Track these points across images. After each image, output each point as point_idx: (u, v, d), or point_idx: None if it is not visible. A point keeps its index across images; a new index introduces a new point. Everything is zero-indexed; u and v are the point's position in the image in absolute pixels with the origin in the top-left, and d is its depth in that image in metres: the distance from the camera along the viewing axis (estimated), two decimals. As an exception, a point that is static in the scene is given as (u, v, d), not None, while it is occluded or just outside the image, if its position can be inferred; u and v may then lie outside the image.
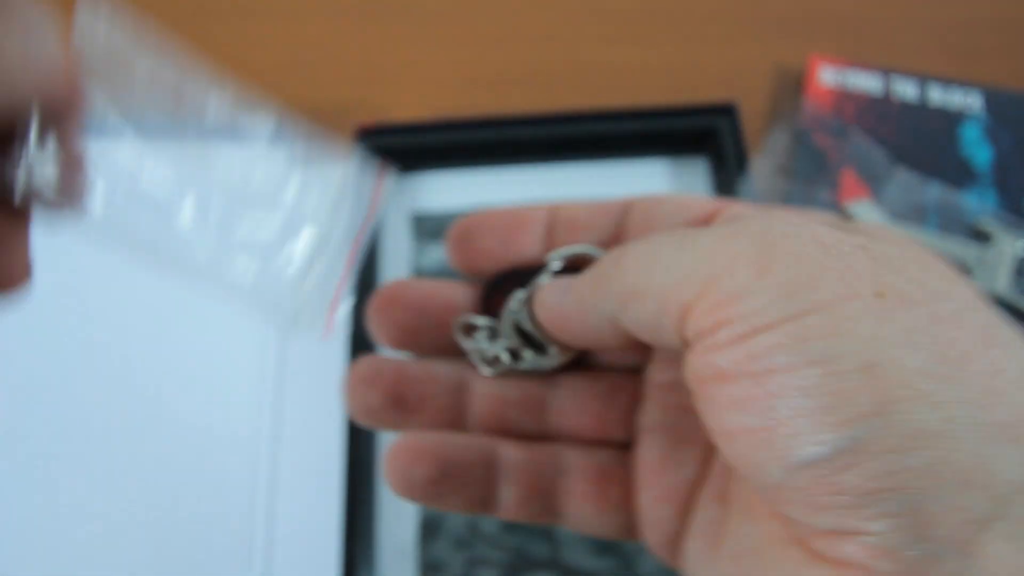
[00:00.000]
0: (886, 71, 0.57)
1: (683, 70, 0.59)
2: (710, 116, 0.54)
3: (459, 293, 0.26)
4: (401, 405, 0.25)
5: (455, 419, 0.25)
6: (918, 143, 0.55)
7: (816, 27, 0.61)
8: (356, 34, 0.61)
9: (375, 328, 0.25)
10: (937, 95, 0.57)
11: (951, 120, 0.56)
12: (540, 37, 0.61)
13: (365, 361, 0.25)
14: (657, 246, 0.21)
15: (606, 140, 0.54)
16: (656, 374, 0.26)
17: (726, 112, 0.53)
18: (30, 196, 0.20)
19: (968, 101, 0.57)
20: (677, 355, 0.21)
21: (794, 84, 0.58)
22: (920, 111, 0.56)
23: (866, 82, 0.57)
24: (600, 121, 0.54)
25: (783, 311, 0.17)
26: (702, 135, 0.54)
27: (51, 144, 0.20)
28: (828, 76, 0.57)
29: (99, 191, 0.24)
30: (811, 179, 0.53)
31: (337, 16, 0.62)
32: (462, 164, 0.54)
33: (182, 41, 0.61)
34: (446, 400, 0.25)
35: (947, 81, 0.57)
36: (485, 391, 0.26)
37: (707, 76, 0.59)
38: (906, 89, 0.57)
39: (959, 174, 0.54)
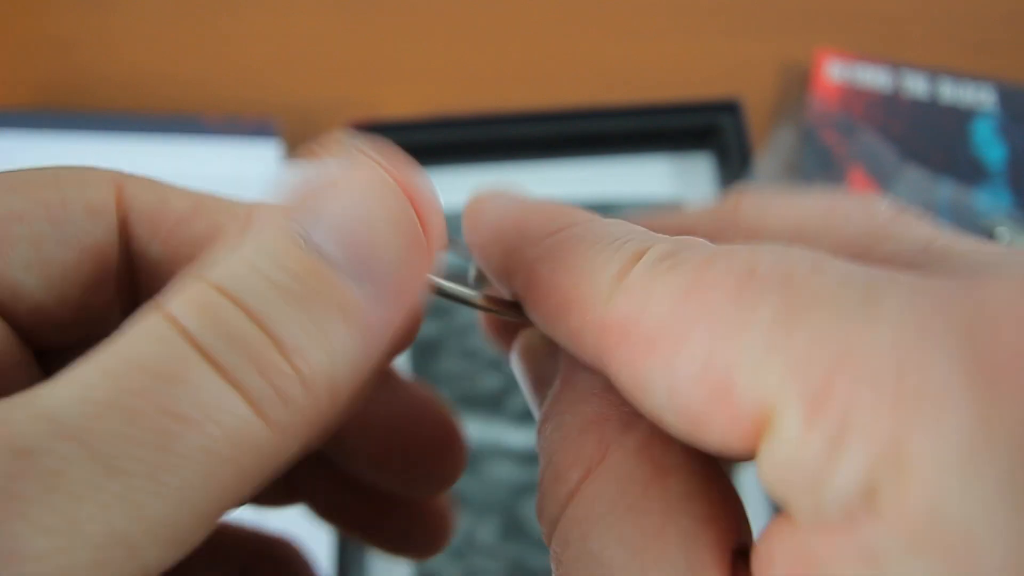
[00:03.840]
0: (895, 65, 0.56)
1: (686, 65, 0.58)
2: (714, 113, 0.52)
3: None
4: None
5: None
6: (929, 140, 0.54)
7: (823, 20, 0.60)
8: (348, 28, 0.60)
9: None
10: (948, 90, 0.55)
11: (963, 116, 0.54)
12: (539, 31, 0.60)
13: None
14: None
15: (607, 137, 0.53)
16: None
17: (730, 108, 0.52)
18: None
19: (981, 96, 0.55)
20: None
21: (800, 79, 0.56)
22: (931, 107, 0.55)
23: (875, 77, 0.56)
24: (600, 118, 0.53)
25: None
26: (705, 132, 0.53)
27: None
28: (835, 71, 0.56)
29: None
30: (818, 178, 0.52)
31: (329, 9, 0.60)
32: (459, 162, 0.53)
33: (172, 36, 0.60)
34: None
35: (959, 76, 0.56)
36: None
37: (710, 71, 0.57)
38: (916, 84, 0.55)
39: (971, 172, 0.52)
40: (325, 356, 0.13)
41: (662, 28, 0.60)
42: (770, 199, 0.17)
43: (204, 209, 0.17)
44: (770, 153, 0.53)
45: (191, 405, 0.12)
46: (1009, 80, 0.56)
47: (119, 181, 0.17)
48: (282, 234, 0.13)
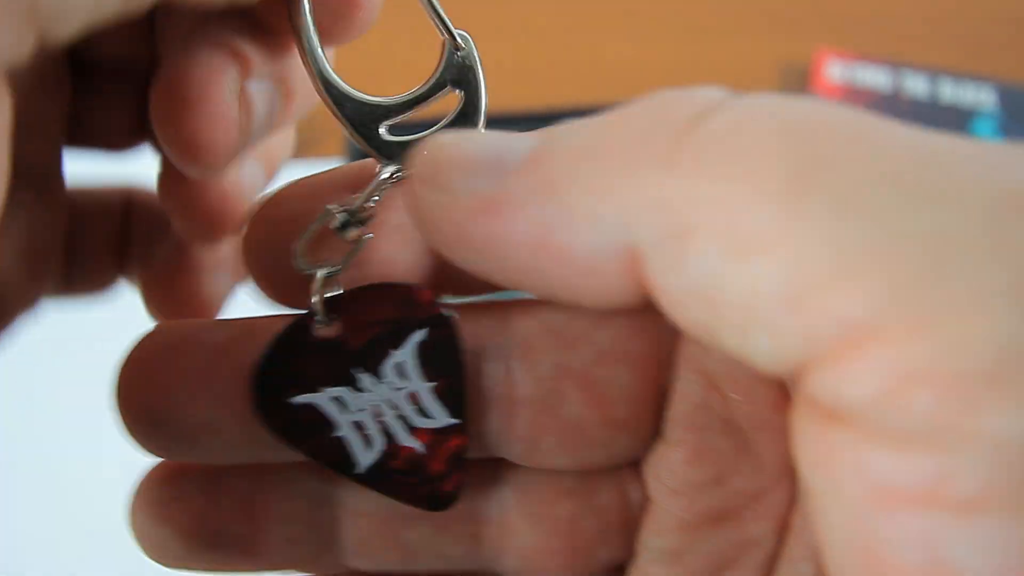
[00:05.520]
0: (895, 65, 0.56)
1: (686, 65, 0.58)
2: (714, 113, 0.52)
3: None
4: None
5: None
6: (929, 140, 0.54)
7: (823, 20, 0.60)
8: (350, 28, 0.60)
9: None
10: (948, 90, 0.55)
11: (963, 116, 0.54)
12: (540, 31, 0.60)
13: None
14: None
15: (607, 137, 0.53)
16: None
17: (730, 108, 0.52)
18: None
19: (981, 96, 0.55)
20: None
21: (800, 79, 0.56)
22: (931, 108, 0.55)
23: (875, 77, 0.55)
24: (600, 118, 0.53)
25: None
26: (706, 132, 0.53)
27: None
28: (835, 71, 0.56)
29: None
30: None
31: (331, 10, 0.60)
32: (459, 162, 0.53)
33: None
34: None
35: (959, 76, 0.56)
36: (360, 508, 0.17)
37: (710, 71, 0.57)
38: (916, 84, 0.55)
39: (971, 172, 0.52)
40: None
41: (662, 28, 0.60)
42: None
43: None
44: (770, 153, 0.53)
45: None
46: (1009, 80, 0.56)
47: None
48: None
